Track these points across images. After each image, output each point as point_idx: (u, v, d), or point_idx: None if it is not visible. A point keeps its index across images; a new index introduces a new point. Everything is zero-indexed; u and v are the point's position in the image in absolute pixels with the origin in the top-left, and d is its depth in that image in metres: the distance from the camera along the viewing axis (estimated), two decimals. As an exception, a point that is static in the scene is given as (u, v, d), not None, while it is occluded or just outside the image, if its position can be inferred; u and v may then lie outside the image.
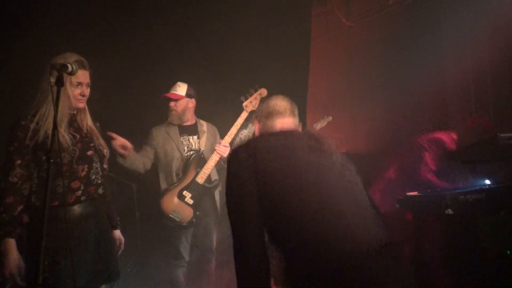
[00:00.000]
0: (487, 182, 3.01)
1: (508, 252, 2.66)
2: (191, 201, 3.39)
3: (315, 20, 6.06)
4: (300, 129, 1.96)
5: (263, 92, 3.43)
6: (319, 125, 4.11)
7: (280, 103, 1.91)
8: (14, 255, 2.03)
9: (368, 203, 1.65)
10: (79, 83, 2.25)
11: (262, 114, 1.91)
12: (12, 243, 2.03)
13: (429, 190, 3.08)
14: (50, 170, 1.67)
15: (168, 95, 3.55)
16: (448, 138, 3.58)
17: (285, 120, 1.86)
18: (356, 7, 6.02)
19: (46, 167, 1.69)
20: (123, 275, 3.82)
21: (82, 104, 2.32)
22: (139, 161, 3.45)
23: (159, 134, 3.58)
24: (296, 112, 1.95)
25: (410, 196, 3.01)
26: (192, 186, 3.40)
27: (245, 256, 1.50)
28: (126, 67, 3.96)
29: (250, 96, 3.40)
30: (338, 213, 1.52)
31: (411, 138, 3.73)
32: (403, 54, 4.93)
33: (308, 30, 5.39)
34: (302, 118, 5.34)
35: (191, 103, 3.62)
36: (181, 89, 3.57)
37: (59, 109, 1.95)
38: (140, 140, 3.61)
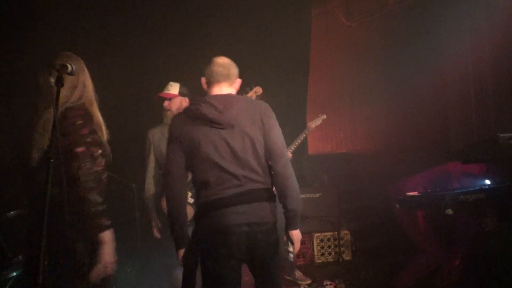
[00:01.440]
0: (487, 182, 3.01)
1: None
2: (191, 200, 3.39)
3: (315, 20, 6.06)
4: (235, 89, 2.39)
5: (258, 90, 3.40)
6: (313, 124, 4.11)
7: (217, 69, 2.28)
8: (113, 245, 2.07)
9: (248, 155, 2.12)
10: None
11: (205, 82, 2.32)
12: (112, 232, 2.07)
13: (429, 190, 3.08)
14: (50, 170, 1.66)
15: (161, 95, 3.55)
16: (479, 171, 3.53)
17: (219, 88, 2.28)
18: (356, 7, 6.03)
19: (46, 166, 1.68)
20: (123, 275, 3.83)
21: None
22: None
23: (155, 136, 3.58)
24: (233, 74, 2.35)
25: (410, 196, 3.01)
26: (192, 185, 3.41)
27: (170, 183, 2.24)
28: (122, 69, 3.96)
29: (246, 94, 3.37)
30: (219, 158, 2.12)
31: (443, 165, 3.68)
32: (403, 54, 4.94)
33: (308, 30, 5.39)
34: (302, 117, 5.37)
35: (185, 101, 3.61)
36: (174, 88, 3.56)
37: (90, 88, 2.09)
38: (136, 140, 3.61)
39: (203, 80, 2.30)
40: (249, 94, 3.39)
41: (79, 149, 1.96)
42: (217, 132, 2.12)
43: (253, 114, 2.16)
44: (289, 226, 2.23)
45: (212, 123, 2.12)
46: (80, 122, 2.00)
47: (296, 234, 2.25)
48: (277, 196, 2.23)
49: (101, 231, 2.00)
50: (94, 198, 1.96)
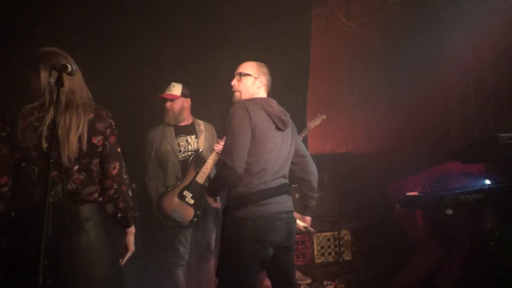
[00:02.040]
0: (487, 182, 3.01)
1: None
2: (191, 201, 3.39)
3: (315, 20, 6.05)
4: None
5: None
6: (313, 123, 4.11)
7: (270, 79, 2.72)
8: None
9: None
10: None
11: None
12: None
13: (429, 190, 3.08)
14: (50, 169, 1.66)
15: (163, 95, 3.55)
16: (478, 171, 3.53)
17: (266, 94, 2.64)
18: (356, 7, 6.03)
19: (46, 166, 1.68)
20: (123, 275, 3.82)
21: None
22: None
23: (155, 136, 3.58)
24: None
25: (410, 196, 3.01)
26: (192, 186, 3.41)
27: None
28: (122, 69, 3.95)
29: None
30: None
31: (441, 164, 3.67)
32: (403, 54, 4.94)
33: (308, 30, 5.39)
34: (302, 117, 5.37)
35: (187, 102, 3.61)
36: (176, 89, 3.56)
37: None
38: (136, 141, 3.61)
39: (262, 79, 2.54)
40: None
41: (119, 149, 2.08)
42: (280, 131, 2.43)
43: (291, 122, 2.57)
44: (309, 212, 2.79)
45: (282, 123, 2.42)
46: (113, 122, 2.10)
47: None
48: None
49: (132, 222, 2.17)
50: (129, 194, 2.12)
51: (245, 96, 2.50)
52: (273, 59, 4.62)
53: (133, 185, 4.02)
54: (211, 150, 3.44)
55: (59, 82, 1.75)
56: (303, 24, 5.21)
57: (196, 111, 3.77)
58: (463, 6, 4.36)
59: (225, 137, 2.36)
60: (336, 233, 4.59)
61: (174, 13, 4.26)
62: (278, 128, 2.41)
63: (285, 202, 2.42)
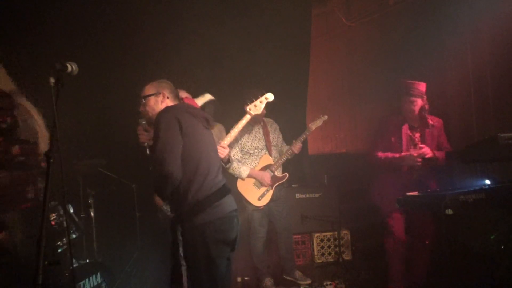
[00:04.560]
0: (487, 182, 3.01)
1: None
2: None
3: (315, 20, 6.06)
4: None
5: (270, 96, 3.29)
6: (314, 125, 4.06)
7: None
8: None
9: None
10: None
11: None
12: None
13: (428, 190, 3.08)
14: (50, 169, 1.66)
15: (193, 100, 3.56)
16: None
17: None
18: (356, 7, 6.02)
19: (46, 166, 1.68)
20: (123, 275, 3.83)
21: None
22: None
23: None
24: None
25: (410, 196, 3.01)
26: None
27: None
28: (123, 69, 3.96)
29: (256, 99, 3.27)
30: None
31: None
32: (403, 54, 4.93)
33: (308, 30, 5.39)
34: (302, 117, 5.37)
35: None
36: (201, 99, 3.58)
37: None
38: (137, 141, 3.61)
39: (163, 93, 2.55)
40: (259, 100, 3.29)
41: None
42: (208, 131, 2.51)
43: None
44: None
45: (207, 122, 2.49)
46: None
47: None
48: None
49: None
50: None
51: (153, 114, 2.48)
52: (273, 59, 4.64)
53: (133, 185, 4.03)
54: None
55: (59, 82, 1.75)
56: (303, 24, 5.22)
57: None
58: (463, 6, 4.35)
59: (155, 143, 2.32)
60: (336, 233, 4.59)
61: (173, 14, 4.27)
62: (205, 127, 2.47)
63: (231, 200, 2.47)
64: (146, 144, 2.63)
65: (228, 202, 2.41)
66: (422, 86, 3.60)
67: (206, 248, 2.27)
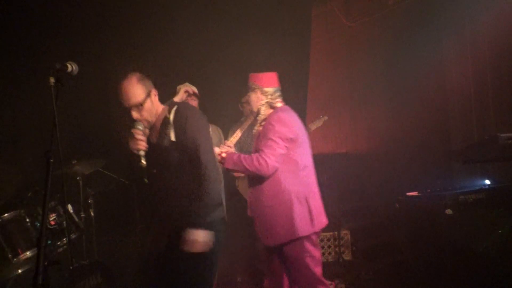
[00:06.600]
0: (487, 182, 3.01)
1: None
2: None
3: (315, 20, 6.06)
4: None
5: None
6: (314, 125, 4.05)
7: None
8: None
9: None
10: None
11: None
12: None
13: (428, 190, 3.08)
14: (50, 169, 1.66)
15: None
16: None
17: None
18: (356, 7, 6.02)
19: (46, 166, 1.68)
20: (123, 275, 3.82)
21: None
22: None
23: None
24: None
25: (410, 196, 3.01)
26: None
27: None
28: (123, 69, 3.96)
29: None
30: None
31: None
32: (403, 54, 4.93)
33: (308, 30, 5.39)
34: (302, 117, 5.36)
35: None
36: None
37: None
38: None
39: (153, 90, 2.35)
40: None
41: None
42: None
43: None
44: None
45: None
46: None
47: None
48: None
49: None
50: None
51: (152, 116, 2.34)
52: (273, 59, 4.63)
53: (133, 185, 4.03)
54: None
55: (59, 82, 1.75)
56: (303, 24, 5.22)
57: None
58: (463, 6, 4.35)
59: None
60: (336, 233, 4.59)
61: (173, 15, 4.27)
62: None
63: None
64: (141, 152, 2.30)
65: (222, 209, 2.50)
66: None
67: (215, 246, 2.26)
